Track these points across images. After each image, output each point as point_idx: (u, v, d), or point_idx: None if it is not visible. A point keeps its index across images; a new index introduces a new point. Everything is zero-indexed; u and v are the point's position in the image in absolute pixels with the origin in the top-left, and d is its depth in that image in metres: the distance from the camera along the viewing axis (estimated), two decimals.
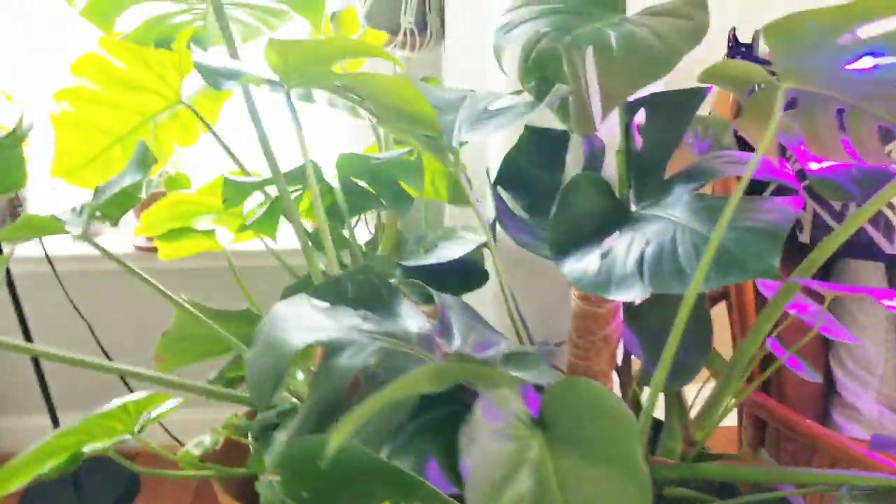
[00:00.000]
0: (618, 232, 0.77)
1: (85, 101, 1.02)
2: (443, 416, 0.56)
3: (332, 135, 1.66)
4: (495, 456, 0.42)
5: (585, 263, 0.75)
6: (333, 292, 0.66)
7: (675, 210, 0.74)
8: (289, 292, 0.92)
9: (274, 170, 0.77)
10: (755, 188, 1.22)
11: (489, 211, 1.13)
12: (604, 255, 0.75)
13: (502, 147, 0.95)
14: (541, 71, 0.70)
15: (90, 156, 1.07)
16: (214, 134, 1.07)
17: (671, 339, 0.63)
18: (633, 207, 0.81)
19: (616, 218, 0.79)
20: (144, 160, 0.79)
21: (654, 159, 0.79)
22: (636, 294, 0.70)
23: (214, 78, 0.61)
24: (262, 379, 0.59)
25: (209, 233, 1.18)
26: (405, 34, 1.30)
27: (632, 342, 0.83)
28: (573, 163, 0.94)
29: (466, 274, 0.90)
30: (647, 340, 0.83)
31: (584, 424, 0.50)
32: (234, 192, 1.03)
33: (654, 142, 0.79)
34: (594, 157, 0.91)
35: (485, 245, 0.86)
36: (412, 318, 0.63)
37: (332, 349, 0.57)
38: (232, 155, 1.12)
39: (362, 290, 0.66)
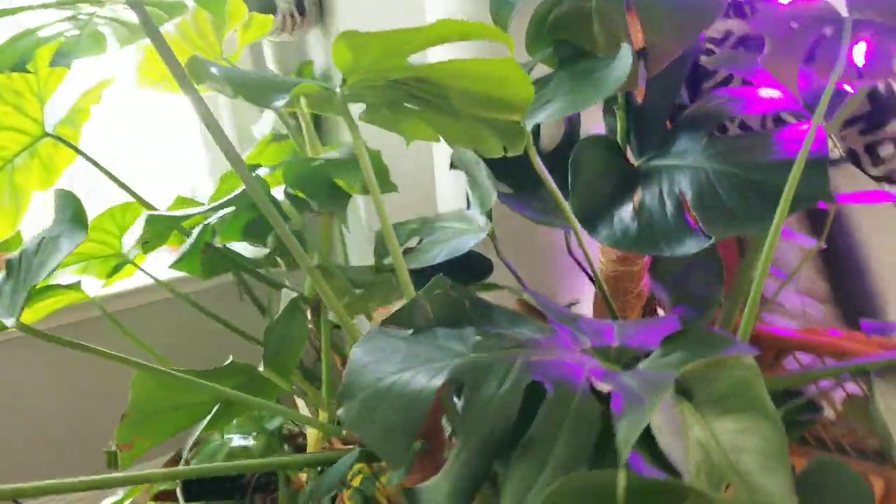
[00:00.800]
0: (640, 187, 0.76)
1: None
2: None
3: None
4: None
5: (620, 224, 0.73)
6: (413, 317, 0.57)
7: (693, 157, 0.74)
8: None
9: (250, 185, 0.66)
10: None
11: (443, 198, 1.08)
12: (637, 213, 0.74)
13: None
14: (560, 34, 0.66)
15: None
16: (94, 162, 0.89)
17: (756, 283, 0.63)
18: (636, 162, 0.80)
19: (631, 174, 0.77)
20: (78, 216, 0.62)
21: (656, 111, 0.79)
22: (693, 246, 0.69)
23: (266, 96, 0.48)
24: (393, 435, 0.50)
25: (73, 284, 0.99)
26: (284, 17, 1.18)
27: (656, 289, 0.84)
28: (546, 139, 0.91)
29: (474, 266, 0.84)
30: (672, 285, 0.84)
31: (714, 384, 0.49)
32: (162, 228, 0.87)
33: (653, 94, 0.78)
34: (573, 125, 0.89)
35: (491, 234, 0.80)
36: (522, 324, 0.57)
37: (475, 378, 0.49)
38: (123, 185, 0.94)
39: (444, 306, 0.58)
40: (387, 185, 0.96)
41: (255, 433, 1.17)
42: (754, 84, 0.83)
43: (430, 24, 0.42)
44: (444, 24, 0.42)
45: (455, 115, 0.52)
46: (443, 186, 1.05)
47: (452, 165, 0.92)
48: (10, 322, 0.58)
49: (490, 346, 0.53)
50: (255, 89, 0.51)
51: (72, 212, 0.60)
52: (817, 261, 1.34)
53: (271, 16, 1.10)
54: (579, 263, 0.86)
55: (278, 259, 1.10)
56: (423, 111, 0.54)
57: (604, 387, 0.50)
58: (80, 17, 0.79)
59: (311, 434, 1.02)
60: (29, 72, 0.78)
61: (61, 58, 0.74)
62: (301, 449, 1.20)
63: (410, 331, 0.56)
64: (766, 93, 0.81)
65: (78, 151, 0.85)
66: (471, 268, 0.84)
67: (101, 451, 0.90)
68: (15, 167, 0.83)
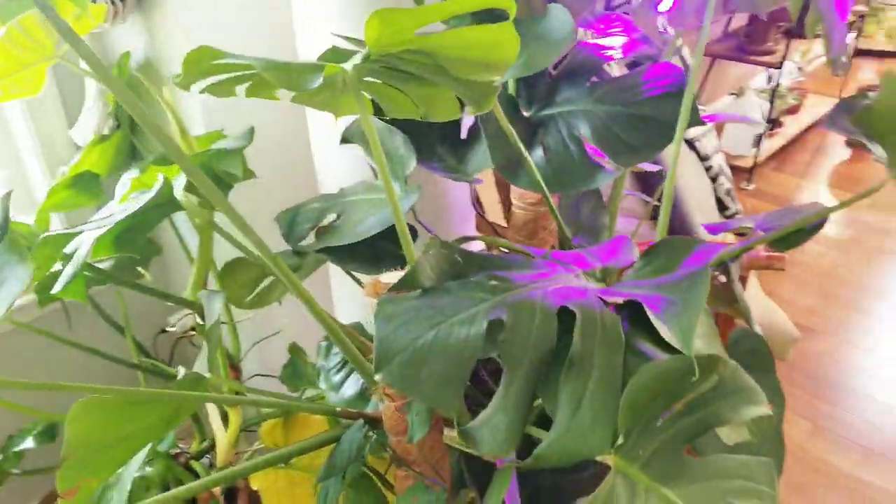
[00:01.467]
0: (540, 134, 0.84)
1: None
2: None
3: None
4: None
5: (532, 172, 0.81)
6: (419, 278, 0.60)
7: (580, 103, 0.84)
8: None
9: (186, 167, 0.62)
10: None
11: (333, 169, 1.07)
12: (547, 159, 0.82)
13: None
14: None
15: None
16: None
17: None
18: (526, 113, 0.88)
19: (529, 124, 0.86)
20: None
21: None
22: (604, 179, 0.80)
23: (304, 79, 0.45)
24: (446, 386, 0.53)
25: None
26: (106, 6, 1.07)
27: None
28: None
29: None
30: (568, 219, 0.95)
31: None
32: (52, 251, 0.77)
33: (535, 47, 0.86)
34: None
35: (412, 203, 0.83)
36: (514, 265, 0.62)
37: (514, 315, 0.54)
38: None
39: (443, 263, 0.62)
40: (246, 172, 0.93)
41: (148, 459, 1.08)
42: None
43: None
44: None
45: (453, 81, 0.55)
46: (324, 165, 1.04)
47: (344, 140, 0.93)
48: None
49: (506, 288, 0.58)
50: (292, 73, 0.48)
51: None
52: (638, 187, 1.57)
53: (104, 4, 0.98)
54: (482, 214, 0.94)
55: (140, 269, 1.02)
56: (426, 80, 0.56)
57: (617, 299, 0.59)
58: None
59: (222, 442, 0.98)
60: None
61: None
62: (190, 468, 1.13)
63: (418, 292, 0.59)
64: (616, 41, 0.94)
65: None
66: (393, 236, 0.87)
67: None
68: None
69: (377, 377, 0.53)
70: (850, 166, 3.18)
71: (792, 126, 3.23)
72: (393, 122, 0.86)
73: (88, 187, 1.02)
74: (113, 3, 1.07)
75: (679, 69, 0.83)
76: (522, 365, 0.54)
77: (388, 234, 0.88)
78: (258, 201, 1.01)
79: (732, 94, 3.09)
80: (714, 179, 1.79)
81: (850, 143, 3.33)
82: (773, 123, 3.14)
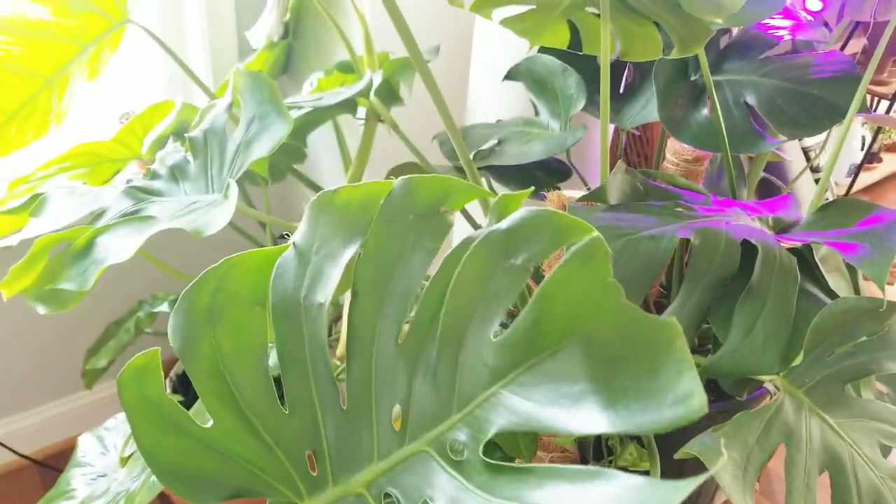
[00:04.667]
0: (706, 97, 0.88)
1: (16, 34, 0.71)
2: None
3: None
4: None
5: (699, 128, 0.85)
6: (607, 195, 0.65)
7: (749, 74, 0.88)
8: None
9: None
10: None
11: None
12: (711, 119, 0.86)
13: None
14: None
15: (10, 111, 0.76)
16: (173, 54, 0.84)
17: None
18: (692, 77, 0.92)
19: (695, 86, 0.89)
20: (275, 97, 0.60)
21: None
22: (764, 146, 0.83)
23: None
24: (627, 288, 0.58)
25: None
26: None
27: None
28: None
29: (553, 168, 0.92)
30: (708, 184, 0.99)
31: None
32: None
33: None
34: None
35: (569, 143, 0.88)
36: (695, 200, 0.66)
37: (703, 237, 0.59)
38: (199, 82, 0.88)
39: (627, 185, 0.66)
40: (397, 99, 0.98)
41: None
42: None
43: None
44: None
45: (678, 17, 0.59)
46: (478, 97, 1.09)
47: (509, 76, 0.98)
48: (218, 198, 0.56)
49: (691, 216, 0.62)
50: None
51: (269, 93, 0.58)
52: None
53: None
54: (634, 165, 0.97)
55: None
56: (645, 13, 0.60)
57: (795, 244, 0.63)
58: None
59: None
60: None
61: None
62: None
63: (605, 206, 0.64)
64: (785, 23, 0.97)
65: (160, 43, 0.79)
66: (550, 169, 0.92)
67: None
68: (88, 55, 0.76)
69: None
70: None
71: (891, 163, 3.16)
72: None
73: None
74: None
75: (849, 57, 0.86)
76: (702, 283, 0.59)
77: (544, 165, 0.93)
78: (413, 123, 1.07)
79: None
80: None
81: None
82: (873, 157, 3.07)
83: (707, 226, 0.60)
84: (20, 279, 0.53)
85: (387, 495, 0.38)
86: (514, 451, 0.62)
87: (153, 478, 0.68)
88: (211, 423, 0.38)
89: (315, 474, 0.39)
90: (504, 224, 0.35)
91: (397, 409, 0.39)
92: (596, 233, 0.32)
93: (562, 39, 0.76)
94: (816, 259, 0.63)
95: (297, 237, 0.41)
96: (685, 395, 0.27)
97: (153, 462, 0.37)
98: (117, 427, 0.81)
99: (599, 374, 0.30)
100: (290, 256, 0.40)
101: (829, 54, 0.87)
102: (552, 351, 0.32)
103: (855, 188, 2.93)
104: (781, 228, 0.67)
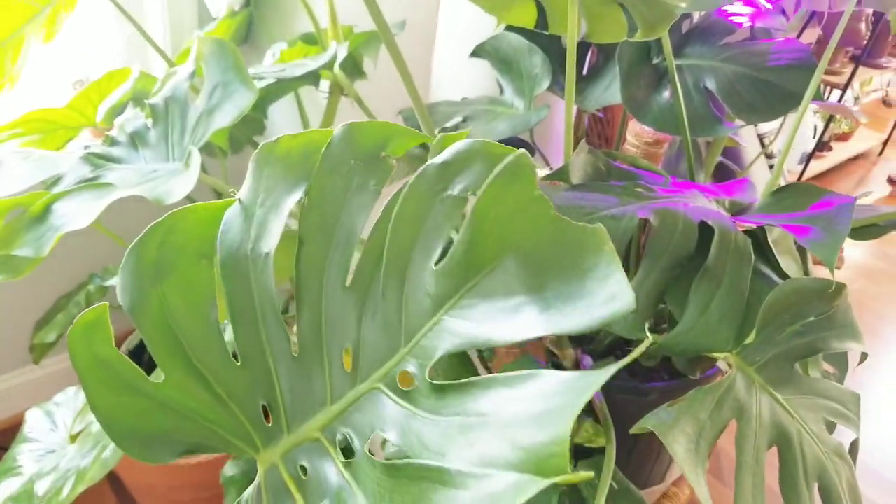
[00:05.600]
0: (667, 81, 0.89)
1: None
2: None
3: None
4: None
5: (660, 111, 0.86)
6: (569, 175, 0.65)
7: (710, 59, 0.89)
8: None
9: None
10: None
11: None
12: (672, 103, 0.87)
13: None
14: None
15: None
16: (132, 19, 0.81)
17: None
18: (654, 60, 0.93)
19: (656, 69, 0.90)
20: (239, 66, 0.58)
21: None
22: (722, 131, 0.85)
23: None
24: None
25: None
26: None
27: None
28: None
29: (516, 146, 0.92)
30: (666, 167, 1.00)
31: None
32: None
33: None
34: None
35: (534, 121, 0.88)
36: (653, 181, 0.67)
37: (662, 217, 0.60)
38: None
39: (589, 165, 0.67)
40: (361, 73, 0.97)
41: None
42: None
43: None
44: None
45: (649, 1, 0.59)
46: (441, 76, 1.09)
47: (475, 53, 0.97)
48: (180, 166, 0.54)
49: (651, 197, 0.63)
50: None
51: (234, 60, 0.56)
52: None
53: None
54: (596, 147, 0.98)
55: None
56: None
57: (750, 226, 0.64)
58: None
59: None
60: None
61: None
62: None
63: (568, 186, 0.64)
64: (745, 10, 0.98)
65: (118, 6, 0.76)
66: (513, 145, 0.92)
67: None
68: (44, 16, 0.72)
69: None
70: (889, 201, 3.22)
71: (840, 152, 3.26)
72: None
73: None
74: None
75: (806, 46, 0.88)
76: (660, 262, 0.60)
77: (508, 143, 0.93)
78: (376, 98, 1.06)
79: None
80: None
81: (892, 181, 3.37)
82: (824, 146, 3.16)
83: (666, 206, 0.61)
84: None
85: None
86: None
87: (105, 453, 0.67)
88: (163, 378, 0.37)
89: (270, 425, 0.40)
90: (439, 158, 0.36)
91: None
92: (521, 150, 0.33)
93: (529, 18, 0.75)
94: (769, 241, 0.65)
95: (241, 192, 0.41)
96: (614, 295, 0.29)
97: (108, 424, 0.36)
98: (66, 402, 0.79)
99: (533, 283, 0.31)
100: (236, 211, 0.41)
101: (786, 42, 0.89)
102: (489, 269, 0.33)
103: (806, 176, 3.02)
104: (737, 211, 0.69)
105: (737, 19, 0.95)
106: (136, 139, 0.59)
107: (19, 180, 0.54)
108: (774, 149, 1.82)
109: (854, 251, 2.81)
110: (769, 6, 1.04)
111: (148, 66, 1.30)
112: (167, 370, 0.38)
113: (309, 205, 0.39)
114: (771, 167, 1.90)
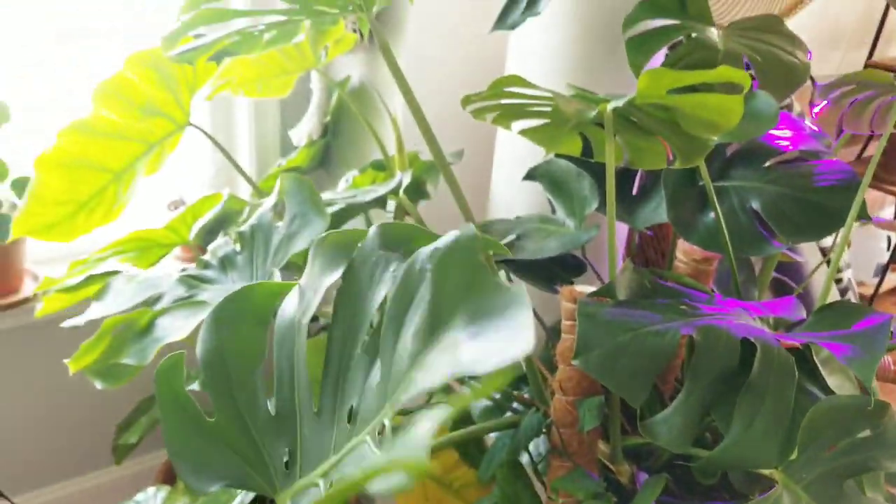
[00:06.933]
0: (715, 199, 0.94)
1: (94, 133, 0.80)
2: None
3: None
4: None
5: (707, 231, 0.90)
6: (616, 291, 0.70)
7: (754, 181, 0.94)
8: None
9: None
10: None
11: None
12: (718, 223, 0.91)
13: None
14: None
15: (80, 202, 0.85)
16: (226, 153, 0.92)
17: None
18: (701, 182, 0.98)
19: (702, 191, 0.95)
20: (315, 198, 0.67)
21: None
22: (770, 250, 0.88)
23: (583, 112, 0.58)
24: (637, 379, 0.62)
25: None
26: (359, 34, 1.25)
27: None
28: None
29: (569, 263, 0.98)
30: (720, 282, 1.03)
31: None
32: None
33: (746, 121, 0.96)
34: None
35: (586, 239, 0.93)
36: (698, 299, 0.71)
37: (705, 334, 0.63)
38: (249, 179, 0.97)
39: (634, 282, 0.71)
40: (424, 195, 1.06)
41: None
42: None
43: (716, 70, 0.56)
44: (724, 69, 0.56)
45: (678, 134, 0.66)
46: (498, 196, 1.17)
47: (528, 177, 1.05)
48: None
49: (695, 314, 0.67)
50: (572, 106, 0.61)
51: (309, 194, 0.65)
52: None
53: (356, 35, 1.16)
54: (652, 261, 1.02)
55: None
56: (651, 130, 0.67)
57: (794, 344, 0.66)
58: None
59: None
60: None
61: (221, 54, 0.78)
62: None
63: (613, 301, 0.69)
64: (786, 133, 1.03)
65: (216, 144, 0.88)
66: (566, 264, 0.97)
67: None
68: (152, 153, 0.84)
69: (574, 363, 0.63)
70: None
71: None
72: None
73: None
74: (362, 35, 1.25)
75: (849, 167, 0.91)
76: (705, 379, 0.62)
77: (560, 260, 0.98)
78: (436, 217, 1.14)
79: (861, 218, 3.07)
80: (843, 293, 1.80)
81: None
82: None
83: (709, 323, 0.64)
84: (87, 355, 0.59)
85: None
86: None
87: None
88: (214, 418, 0.47)
89: (287, 470, 0.46)
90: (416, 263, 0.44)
91: None
92: (468, 229, 0.41)
93: (575, 148, 0.83)
94: (816, 360, 0.67)
95: (302, 279, 0.51)
96: (525, 340, 0.35)
97: (172, 446, 0.46)
98: (146, 501, 0.85)
99: (475, 332, 0.37)
100: (296, 291, 0.51)
101: (830, 163, 0.93)
102: (445, 327, 0.39)
103: (883, 288, 2.92)
104: (782, 328, 0.71)
105: (780, 143, 1.00)
106: (226, 263, 0.67)
107: (125, 299, 0.63)
108: (842, 262, 1.80)
109: None
110: (815, 128, 1.09)
111: (236, 188, 1.44)
112: (218, 410, 0.47)
113: (343, 287, 0.49)
114: (838, 281, 1.87)
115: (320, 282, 0.49)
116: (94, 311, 0.64)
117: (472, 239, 0.41)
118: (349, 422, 0.45)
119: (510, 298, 0.36)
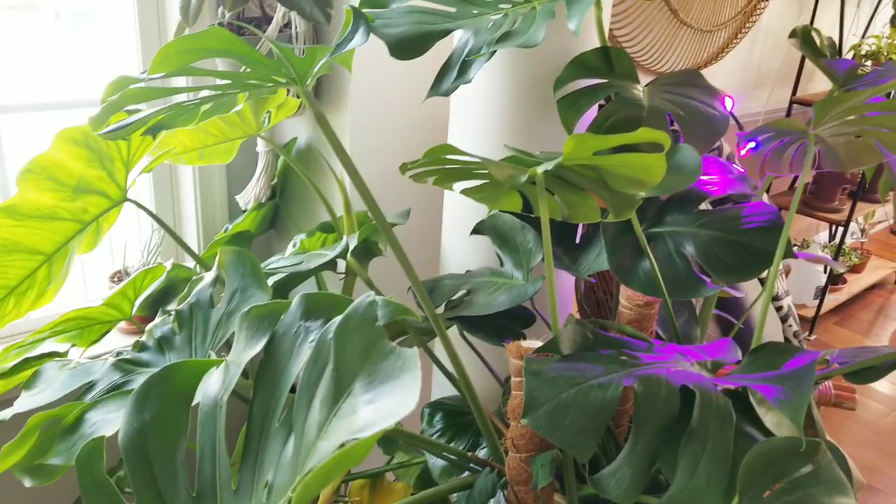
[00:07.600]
0: (651, 245, 0.97)
1: (22, 216, 0.79)
2: None
3: None
4: None
5: (646, 277, 0.93)
6: (559, 346, 0.71)
7: (687, 225, 0.98)
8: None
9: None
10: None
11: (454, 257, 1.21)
12: (655, 269, 0.95)
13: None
14: (614, 130, 0.86)
15: (10, 286, 0.83)
16: (165, 225, 0.92)
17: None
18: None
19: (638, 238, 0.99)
20: (257, 272, 0.68)
21: None
22: (706, 292, 0.91)
23: (516, 176, 0.60)
24: (584, 434, 0.63)
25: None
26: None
27: None
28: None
29: (518, 315, 0.99)
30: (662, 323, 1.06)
31: None
32: None
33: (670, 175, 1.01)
34: None
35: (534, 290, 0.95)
36: (637, 347, 0.73)
37: (645, 385, 0.65)
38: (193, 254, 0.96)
39: (578, 336, 0.73)
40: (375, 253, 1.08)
41: None
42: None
43: (636, 132, 0.59)
44: (645, 131, 0.60)
45: (607, 191, 0.69)
46: (450, 250, 1.19)
47: (476, 231, 1.08)
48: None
49: (635, 364, 0.69)
50: (505, 171, 0.63)
51: (251, 267, 0.66)
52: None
53: (298, 100, 1.18)
54: (586, 309, 1.05)
55: None
56: (583, 188, 0.70)
57: (729, 386, 0.69)
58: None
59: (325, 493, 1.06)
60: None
61: (157, 129, 0.79)
62: None
63: (558, 357, 0.70)
64: (714, 178, 1.08)
65: (153, 216, 0.87)
66: (516, 316, 0.99)
67: None
68: (87, 231, 0.84)
69: (524, 421, 0.64)
70: None
71: (856, 284, 3.29)
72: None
73: (243, 243, 1.18)
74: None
75: (774, 209, 0.96)
76: (649, 428, 0.64)
77: (510, 312, 1.00)
78: (389, 274, 1.15)
79: (796, 245, 3.20)
80: (784, 320, 1.87)
81: None
82: (838, 279, 3.20)
83: (648, 373, 0.66)
84: (11, 455, 0.58)
85: None
86: None
87: None
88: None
89: None
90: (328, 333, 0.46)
91: None
92: (368, 299, 0.43)
93: (515, 205, 0.85)
94: (752, 400, 0.69)
95: (230, 354, 0.52)
96: (412, 400, 0.38)
97: None
98: None
99: (371, 398, 0.40)
100: (220, 368, 0.51)
101: (756, 206, 0.98)
102: (345, 395, 0.42)
103: (823, 309, 3.03)
104: (719, 371, 0.73)
105: (710, 187, 1.05)
106: (164, 343, 0.67)
107: (56, 389, 0.62)
108: (779, 291, 1.87)
109: (883, 384, 2.76)
110: (742, 169, 1.14)
111: (181, 254, 1.42)
112: (139, 495, 0.47)
113: (263, 360, 0.50)
114: (778, 309, 1.94)
115: (244, 356, 0.50)
116: (22, 404, 0.63)
117: (369, 307, 0.43)
118: (266, 498, 0.46)
119: (403, 362, 0.39)
